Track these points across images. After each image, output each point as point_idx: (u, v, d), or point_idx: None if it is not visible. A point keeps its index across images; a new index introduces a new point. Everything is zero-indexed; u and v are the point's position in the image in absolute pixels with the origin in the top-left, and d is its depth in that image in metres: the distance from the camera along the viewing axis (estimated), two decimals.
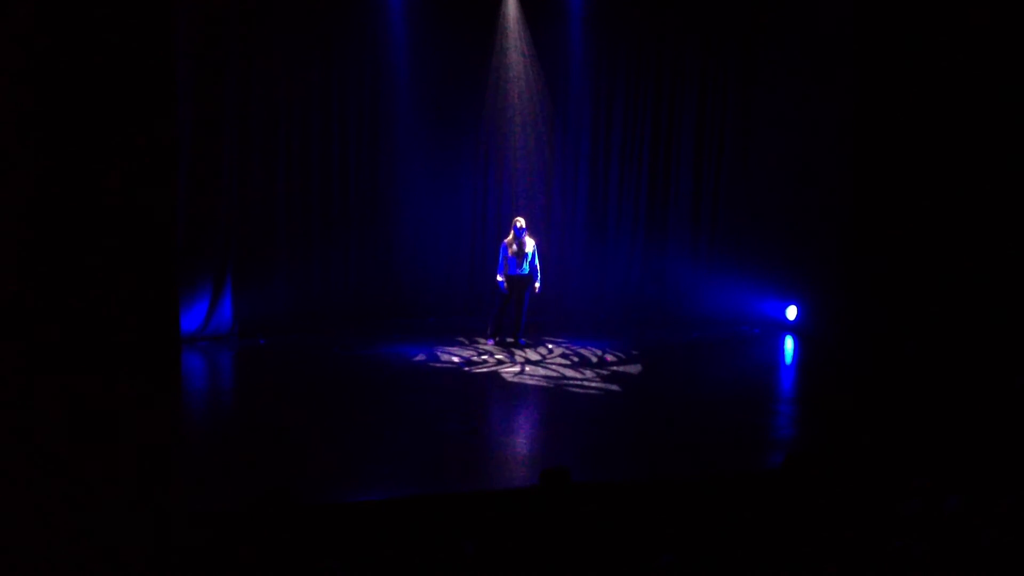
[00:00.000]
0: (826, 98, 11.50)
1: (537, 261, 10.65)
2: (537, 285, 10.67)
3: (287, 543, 4.29)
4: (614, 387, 9.07)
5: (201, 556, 4.34)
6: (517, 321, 10.69)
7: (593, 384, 9.17)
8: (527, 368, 9.76)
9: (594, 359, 10.28)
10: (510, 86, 12.49)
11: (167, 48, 4.24)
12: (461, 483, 6.40)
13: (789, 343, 11.84)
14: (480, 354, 10.38)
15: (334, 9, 11.47)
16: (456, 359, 10.12)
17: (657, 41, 12.78)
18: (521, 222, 10.59)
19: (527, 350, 10.56)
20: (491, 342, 10.79)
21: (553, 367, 9.84)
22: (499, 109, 12.55)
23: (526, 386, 9.13)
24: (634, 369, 9.90)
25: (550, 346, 10.87)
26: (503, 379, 9.35)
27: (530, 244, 10.57)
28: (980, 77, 9.38)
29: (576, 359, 10.26)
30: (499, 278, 10.57)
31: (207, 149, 10.37)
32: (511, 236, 10.56)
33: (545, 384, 9.16)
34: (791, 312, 12.31)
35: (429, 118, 12.21)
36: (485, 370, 9.69)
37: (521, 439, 7.91)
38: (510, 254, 10.51)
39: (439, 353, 10.37)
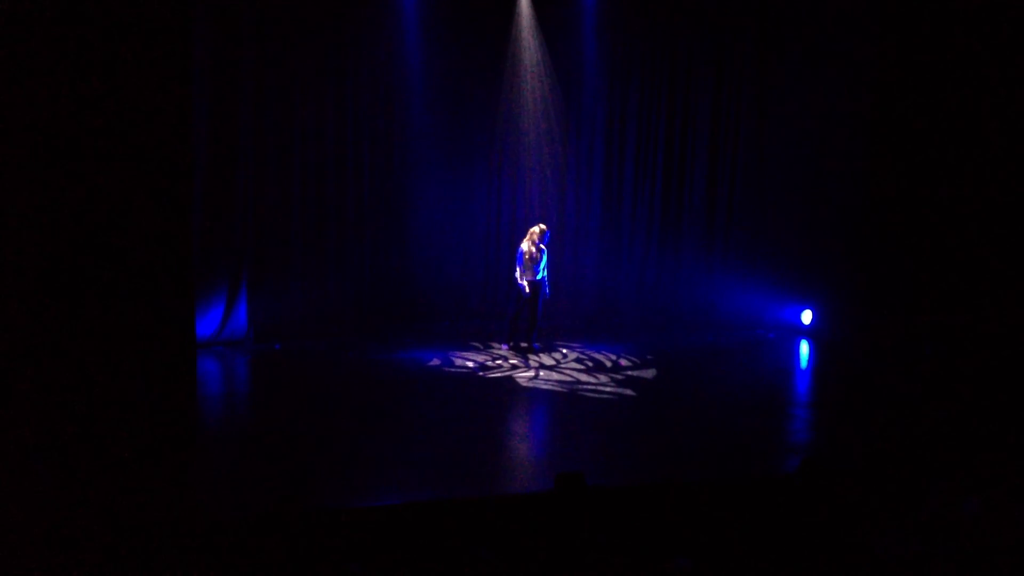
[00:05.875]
0: (842, 100, 11.46)
1: (546, 267, 10.68)
2: (547, 291, 10.72)
3: (304, 548, 4.30)
4: (628, 392, 9.05)
5: (216, 560, 4.36)
6: (531, 326, 10.71)
7: (607, 389, 9.15)
8: (541, 373, 9.75)
9: (608, 363, 10.27)
10: (524, 90, 12.50)
11: (184, 56, 4.28)
12: (476, 488, 6.40)
13: (804, 347, 11.79)
14: (495, 359, 10.38)
15: (349, 15, 11.51)
16: (471, 364, 10.13)
17: (671, 43, 12.76)
18: (544, 228, 10.62)
19: (541, 355, 10.56)
20: (506, 347, 10.80)
21: (567, 372, 9.83)
22: (513, 113, 12.56)
23: (540, 391, 9.12)
24: (648, 374, 9.87)
25: (564, 351, 10.86)
26: (517, 384, 9.34)
27: (543, 249, 10.62)
28: (1003, 74, 9.32)
29: (590, 364, 10.25)
30: (521, 281, 10.57)
31: (222, 155, 10.42)
32: (529, 242, 10.56)
33: (560, 389, 9.15)
34: (806, 316, 12.26)
35: (443, 122, 12.23)
36: (499, 375, 9.69)
37: (536, 444, 7.91)
38: (526, 259, 10.52)
39: (453, 358, 10.37)
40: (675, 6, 12.60)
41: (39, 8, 3.92)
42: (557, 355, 10.63)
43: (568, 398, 8.84)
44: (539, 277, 10.60)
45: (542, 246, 10.59)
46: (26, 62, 3.88)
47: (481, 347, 10.98)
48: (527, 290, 10.56)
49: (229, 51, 10.39)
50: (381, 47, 11.81)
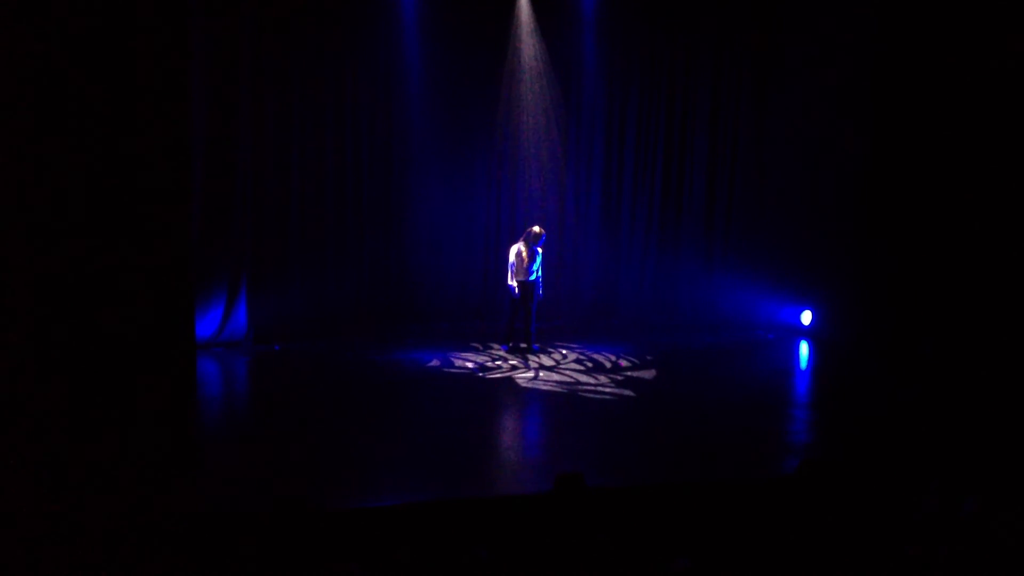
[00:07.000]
0: (840, 101, 11.47)
1: (540, 268, 10.71)
2: (540, 291, 10.75)
3: (302, 548, 4.30)
4: (628, 392, 9.05)
5: (217, 560, 4.36)
6: (528, 327, 10.72)
7: (607, 389, 9.15)
8: (541, 374, 9.75)
9: (608, 364, 10.27)
10: (523, 91, 12.50)
11: (182, 59, 4.28)
12: (476, 488, 6.40)
13: (804, 348, 11.79)
14: (494, 359, 10.38)
15: (347, 18, 11.51)
16: (470, 364, 10.13)
17: (670, 44, 12.78)
18: (542, 231, 10.64)
19: (540, 355, 10.56)
20: (505, 348, 10.81)
21: (567, 372, 9.83)
22: (512, 114, 12.56)
23: (540, 392, 9.12)
24: (648, 374, 9.87)
25: (564, 351, 10.86)
26: (517, 385, 9.34)
27: (538, 251, 10.65)
28: (1004, 75, 9.32)
29: (590, 364, 10.25)
30: (511, 283, 10.59)
31: (222, 156, 10.43)
32: (525, 244, 10.57)
33: (559, 389, 9.15)
34: (806, 317, 12.26)
35: (443, 124, 12.22)
36: (499, 376, 9.69)
37: (535, 444, 7.92)
38: (521, 259, 10.54)
39: (453, 359, 10.37)
40: (674, 7, 12.61)
41: (38, 10, 3.92)
42: (557, 356, 10.63)
43: (568, 399, 8.84)
44: (532, 278, 10.60)
45: (538, 248, 10.60)
46: (19, 63, 3.88)
47: (481, 348, 10.98)
48: (517, 291, 10.57)
49: (228, 51, 10.40)
50: (381, 48, 11.80)
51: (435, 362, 10.21)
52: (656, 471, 6.84)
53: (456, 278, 12.59)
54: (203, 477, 5.91)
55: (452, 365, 10.11)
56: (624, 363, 10.32)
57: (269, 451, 7.04)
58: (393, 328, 11.85)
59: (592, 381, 9.48)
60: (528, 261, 10.57)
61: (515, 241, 10.98)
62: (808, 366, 11.32)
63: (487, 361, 10.30)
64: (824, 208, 11.81)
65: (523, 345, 10.78)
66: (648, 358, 10.64)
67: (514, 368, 10.00)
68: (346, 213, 11.80)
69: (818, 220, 11.89)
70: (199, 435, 7.08)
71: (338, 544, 4.77)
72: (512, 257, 10.62)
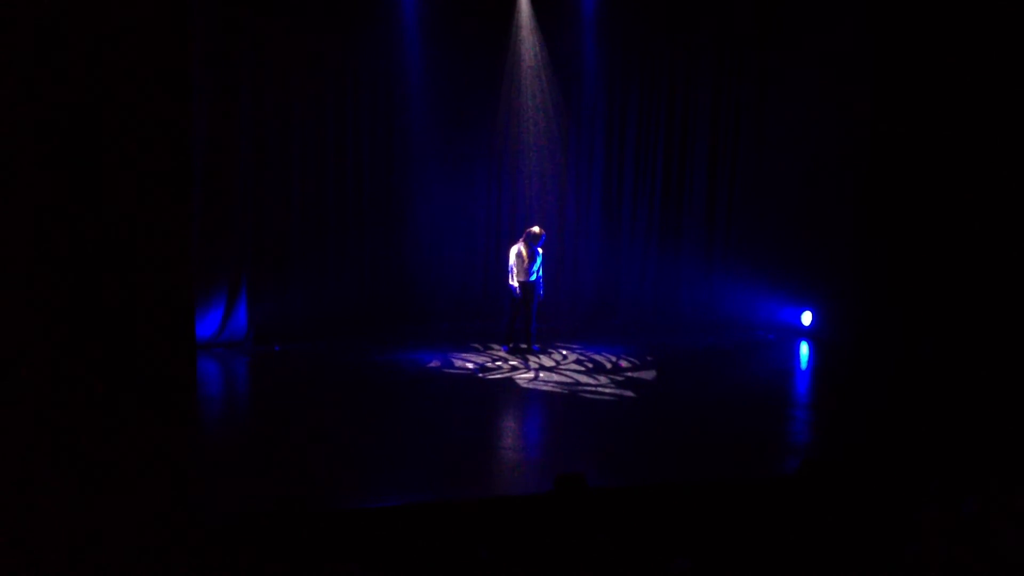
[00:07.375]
0: (841, 102, 11.46)
1: (541, 268, 10.71)
2: (541, 292, 10.76)
3: (302, 548, 4.30)
4: (628, 393, 9.05)
5: (216, 560, 4.36)
6: (528, 328, 10.72)
7: (607, 390, 9.15)
8: (541, 374, 9.75)
9: (608, 365, 10.26)
10: (524, 92, 12.50)
11: (182, 57, 4.28)
12: (476, 489, 6.40)
13: (804, 348, 11.79)
14: (494, 360, 10.38)
15: (348, 18, 11.51)
16: (470, 365, 10.13)
17: (670, 44, 12.77)
18: (541, 231, 10.65)
19: (540, 356, 10.56)
20: (505, 349, 10.81)
21: (567, 373, 9.83)
22: (513, 115, 12.56)
23: (540, 392, 9.12)
24: (648, 375, 9.87)
25: (564, 352, 10.86)
26: (517, 385, 9.34)
27: (539, 251, 10.66)
28: (995, 78, 9.34)
29: (590, 365, 10.25)
30: (513, 283, 10.59)
31: (222, 157, 10.42)
32: (526, 245, 10.57)
33: (559, 390, 9.15)
34: (806, 318, 12.26)
35: (443, 125, 12.22)
36: (499, 376, 9.69)
37: (535, 444, 7.92)
38: (522, 259, 10.54)
39: (453, 359, 10.38)
40: (675, 7, 12.61)
41: (40, 10, 3.93)
42: (557, 356, 10.63)
43: (568, 399, 8.84)
44: (533, 278, 10.61)
45: (538, 249, 10.61)
46: (23, 62, 3.88)
47: (481, 348, 10.98)
48: (518, 292, 10.58)
49: (228, 52, 10.40)
50: (381, 48, 11.80)
51: (435, 363, 10.21)
52: (656, 471, 6.84)
53: (456, 278, 12.59)
54: (203, 477, 5.91)
55: (452, 366, 10.11)
56: (624, 363, 10.32)
57: (269, 451, 7.04)
58: (393, 328, 11.84)
59: (592, 382, 9.47)
60: (528, 262, 10.58)
61: (515, 241, 10.98)
62: (808, 366, 11.32)
63: (487, 362, 10.30)
64: (824, 208, 11.81)
65: (523, 346, 10.78)
66: (648, 358, 10.64)
67: (514, 369, 10.00)
68: (346, 213, 11.80)
69: (818, 220, 11.89)
70: (199, 435, 7.09)
71: (338, 544, 4.77)
72: (512, 258, 10.63)
